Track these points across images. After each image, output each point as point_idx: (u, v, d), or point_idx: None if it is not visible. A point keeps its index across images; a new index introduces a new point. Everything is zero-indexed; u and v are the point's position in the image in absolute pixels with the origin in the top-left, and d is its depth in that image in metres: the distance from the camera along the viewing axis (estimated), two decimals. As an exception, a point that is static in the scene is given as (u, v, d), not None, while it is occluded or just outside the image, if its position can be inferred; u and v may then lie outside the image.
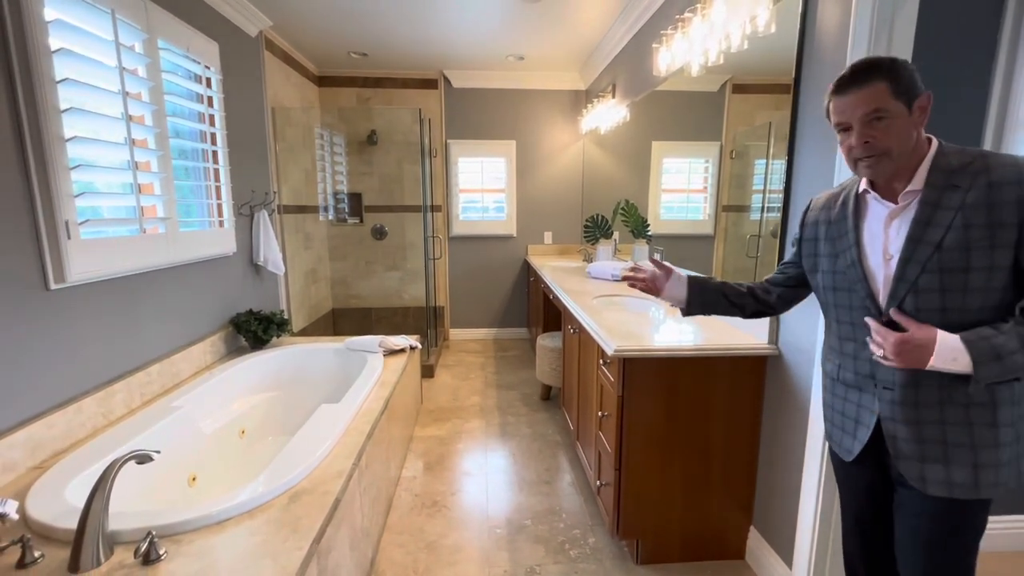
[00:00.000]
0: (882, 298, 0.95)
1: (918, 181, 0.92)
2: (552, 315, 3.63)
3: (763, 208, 1.74)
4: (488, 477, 2.29)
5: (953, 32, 1.49)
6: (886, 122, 0.89)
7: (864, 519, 1.11)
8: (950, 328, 0.87)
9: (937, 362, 0.86)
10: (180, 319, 2.15)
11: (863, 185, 1.00)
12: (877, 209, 0.98)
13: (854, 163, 0.95)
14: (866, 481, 1.07)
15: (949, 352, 0.86)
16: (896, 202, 0.94)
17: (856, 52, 1.23)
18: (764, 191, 1.73)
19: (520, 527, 1.94)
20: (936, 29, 1.44)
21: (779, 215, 1.59)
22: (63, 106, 1.53)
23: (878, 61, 0.90)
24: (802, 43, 1.46)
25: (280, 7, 2.80)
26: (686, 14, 2.03)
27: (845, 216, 1.02)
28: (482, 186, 4.44)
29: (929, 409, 0.92)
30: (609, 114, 3.48)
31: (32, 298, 1.47)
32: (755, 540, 1.72)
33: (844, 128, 0.94)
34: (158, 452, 1.22)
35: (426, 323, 3.99)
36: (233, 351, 2.54)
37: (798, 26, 1.46)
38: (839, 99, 0.93)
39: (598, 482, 1.92)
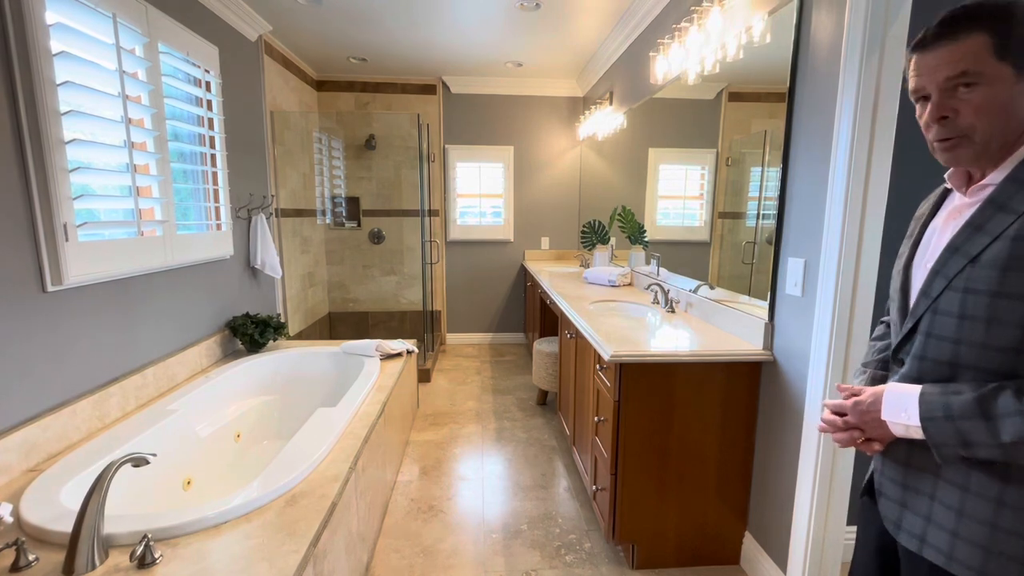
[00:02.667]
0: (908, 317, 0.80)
1: (1001, 172, 0.71)
2: (549, 320, 3.64)
3: (759, 215, 1.76)
4: (484, 482, 2.29)
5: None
6: (977, 91, 0.68)
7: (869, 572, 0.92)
8: (961, 371, 0.71)
9: (887, 413, 0.75)
10: (177, 322, 2.15)
11: (948, 171, 0.81)
12: (953, 203, 0.80)
13: (931, 146, 0.76)
14: (877, 524, 0.88)
15: (898, 401, 0.74)
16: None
17: (849, 64, 1.25)
18: (760, 198, 1.75)
19: (516, 532, 1.94)
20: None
21: (774, 222, 1.61)
22: (63, 109, 1.53)
23: (982, 3, 0.68)
24: (796, 54, 1.49)
25: (280, 12, 2.81)
26: (683, 23, 2.05)
27: (929, 211, 0.85)
28: (480, 191, 4.45)
29: (922, 454, 0.76)
30: (606, 121, 3.50)
31: (29, 300, 1.47)
32: (750, 545, 1.73)
33: (921, 97, 0.74)
34: (154, 455, 1.22)
35: (423, 327, 3.99)
36: (229, 354, 2.53)
37: (792, 37, 1.49)
38: (920, 57, 0.73)
39: (594, 487, 1.92)
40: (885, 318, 0.98)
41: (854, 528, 1.61)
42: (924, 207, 0.88)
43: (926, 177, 1.58)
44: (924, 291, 0.76)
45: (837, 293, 1.32)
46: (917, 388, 0.73)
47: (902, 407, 0.73)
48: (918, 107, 0.76)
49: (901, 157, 1.45)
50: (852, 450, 1.39)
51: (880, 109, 1.24)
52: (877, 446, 0.81)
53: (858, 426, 0.81)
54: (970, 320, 0.70)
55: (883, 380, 0.89)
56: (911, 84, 0.76)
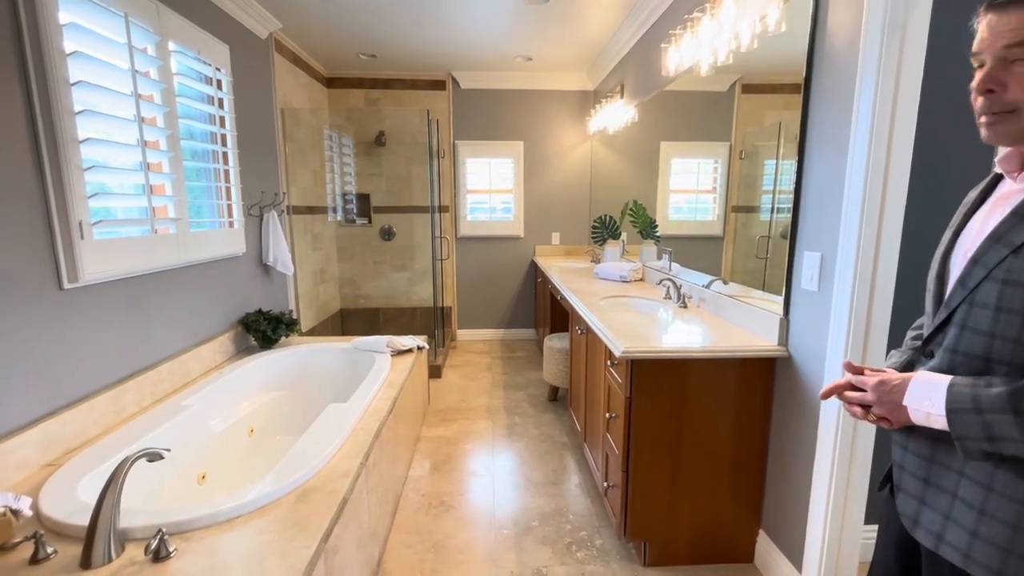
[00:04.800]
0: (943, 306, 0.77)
1: None
2: (559, 316, 3.62)
3: (773, 209, 1.72)
4: (495, 478, 2.29)
5: (970, 35, 1.46)
6: None
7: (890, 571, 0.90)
8: (994, 367, 0.68)
9: (910, 401, 0.73)
10: (190, 319, 2.18)
11: (998, 155, 0.76)
12: (1002, 190, 0.77)
13: (977, 116, 0.72)
14: (898, 520, 0.85)
15: (925, 389, 0.71)
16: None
17: (868, 52, 1.21)
18: (774, 192, 1.72)
19: (527, 528, 1.94)
20: (953, 31, 1.42)
21: (790, 216, 1.57)
22: (77, 108, 1.55)
23: None
24: (812, 43, 1.45)
25: (290, 9, 2.82)
26: (695, 14, 2.02)
27: (977, 198, 0.81)
28: (490, 187, 4.44)
29: (947, 450, 0.74)
30: (617, 114, 3.47)
31: (46, 297, 1.49)
32: (764, 543, 1.70)
33: (980, 65, 0.70)
34: (168, 450, 1.23)
35: (433, 323, 4.00)
36: (242, 350, 2.56)
37: (809, 25, 1.45)
38: (992, 17, 0.68)
39: (605, 483, 1.91)
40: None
41: (872, 527, 1.59)
42: (972, 194, 0.83)
43: (949, 167, 1.53)
44: (961, 281, 0.73)
45: (855, 288, 1.28)
46: (947, 379, 0.71)
47: (927, 395, 0.71)
48: (976, 73, 0.71)
49: (923, 147, 1.41)
50: (870, 449, 1.37)
51: (901, 97, 1.20)
52: (887, 425, 0.79)
53: (872, 403, 0.79)
54: (1007, 313, 0.67)
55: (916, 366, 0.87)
56: (975, 44, 0.71)
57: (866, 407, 0.81)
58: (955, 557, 0.72)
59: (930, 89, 1.32)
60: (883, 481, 0.90)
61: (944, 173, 1.54)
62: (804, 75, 1.48)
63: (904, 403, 0.74)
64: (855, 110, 1.26)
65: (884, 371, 0.82)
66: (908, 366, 0.87)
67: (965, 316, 0.72)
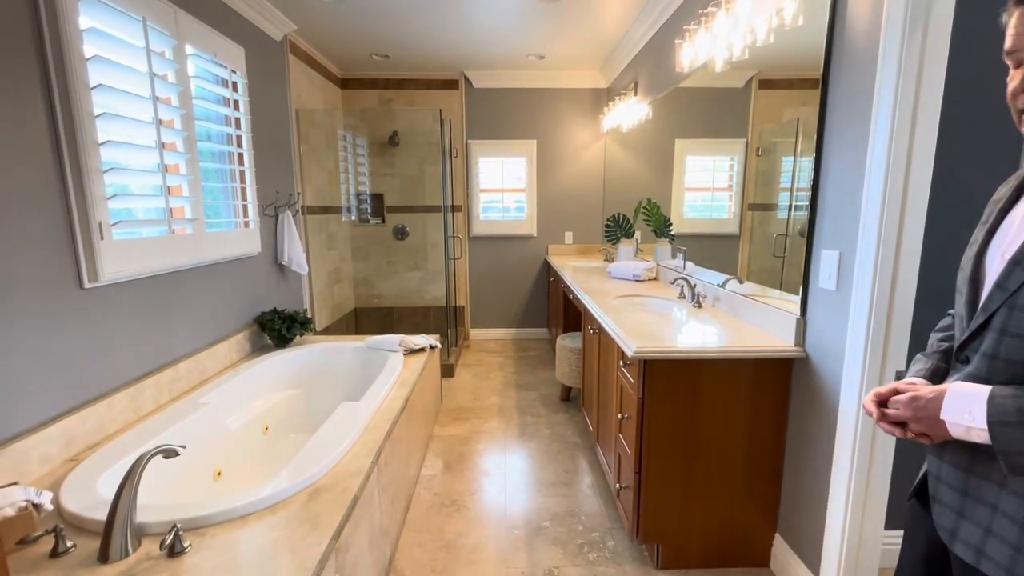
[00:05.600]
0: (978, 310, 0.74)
1: None
2: (572, 315, 3.60)
3: (791, 206, 1.69)
4: (507, 477, 2.29)
5: (997, 29, 1.42)
6: None
7: None
8: None
9: (947, 413, 0.69)
10: (207, 318, 2.21)
11: None
12: None
13: (1015, 117, 0.69)
14: (927, 531, 0.83)
15: (962, 401, 0.67)
16: None
17: (889, 45, 1.18)
18: (792, 189, 1.68)
19: (539, 528, 1.93)
20: (978, 22, 1.38)
21: (807, 214, 1.54)
22: (97, 111, 1.58)
23: None
24: (831, 36, 1.42)
25: (304, 11, 2.84)
26: (710, 8, 1.98)
27: (1010, 195, 0.77)
28: (502, 186, 4.44)
29: (986, 461, 0.71)
30: (631, 112, 3.43)
31: (67, 297, 1.53)
32: (780, 547, 1.67)
33: (1017, 64, 0.68)
34: (184, 447, 1.25)
35: (446, 323, 4.01)
36: (258, 349, 2.59)
37: (827, 16, 1.42)
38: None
39: (618, 485, 1.89)
40: (952, 310, 0.91)
41: (892, 533, 1.55)
42: (1003, 190, 0.80)
43: (973, 162, 1.49)
44: (1000, 283, 0.70)
45: (875, 287, 1.25)
46: (985, 389, 0.67)
47: (966, 408, 0.67)
48: (1011, 74, 0.68)
49: (946, 141, 1.37)
50: (891, 453, 1.33)
51: (923, 90, 1.16)
52: (927, 440, 0.75)
53: (908, 420, 0.75)
54: None
55: (944, 373, 0.83)
56: (1007, 42, 0.68)
57: (902, 424, 0.77)
58: (997, 573, 0.68)
59: (953, 81, 1.28)
60: (915, 490, 0.86)
61: (968, 168, 1.49)
62: (822, 70, 1.44)
63: (941, 417, 0.70)
64: (875, 104, 1.23)
65: (913, 383, 0.79)
66: (936, 373, 0.84)
67: (1005, 320, 0.68)
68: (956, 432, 0.70)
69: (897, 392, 0.79)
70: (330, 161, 3.87)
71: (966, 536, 0.73)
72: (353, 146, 4.16)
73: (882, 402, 0.80)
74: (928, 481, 0.80)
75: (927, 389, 0.73)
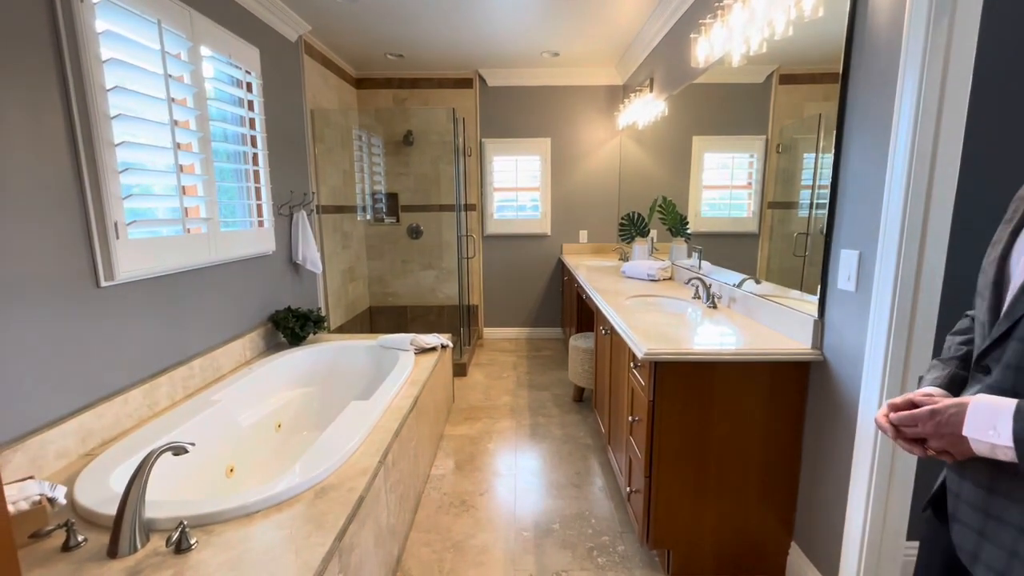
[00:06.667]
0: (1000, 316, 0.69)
1: None
2: (586, 315, 3.57)
3: (812, 204, 1.64)
4: (517, 478, 2.27)
5: (1028, 8, 1.34)
6: None
7: None
8: None
9: (970, 429, 0.64)
10: (221, 316, 2.24)
11: None
12: None
13: None
14: (947, 546, 0.78)
15: (986, 416, 0.63)
16: None
17: (913, 38, 1.13)
18: (813, 187, 1.63)
19: (548, 531, 1.91)
20: (1007, 11, 1.31)
21: (827, 212, 1.49)
22: (113, 113, 1.61)
23: None
24: (851, 29, 1.36)
25: (319, 12, 2.86)
26: (726, 1, 1.93)
27: None
28: (516, 185, 4.42)
29: (1010, 479, 0.66)
30: (647, 109, 3.38)
31: (84, 295, 1.56)
32: (796, 556, 1.62)
33: None
34: (193, 444, 1.26)
35: (460, 321, 4.01)
36: (272, 347, 2.62)
37: (848, 7, 1.36)
38: None
39: (628, 488, 1.86)
40: (970, 312, 0.86)
41: (914, 544, 1.48)
42: None
43: (1005, 156, 1.41)
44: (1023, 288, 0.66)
45: (896, 288, 1.20)
46: (1011, 403, 0.62)
47: (990, 423, 0.62)
48: None
49: (973, 136, 1.30)
50: (913, 460, 1.27)
51: (949, 83, 1.11)
52: (949, 459, 0.71)
53: (927, 437, 0.70)
54: None
55: (962, 381, 0.78)
56: None
57: (921, 440, 0.72)
58: None
59: (982, 72, 1.22)
60: (929, 502, 0.81)
61: (998, 163, 1.42)
62: (842, 64, 1.39)
63: (964, 433, 0.65)
64: (898, 97, 1.17)
65: (931, 394, 0.74)
66: (953, 381, 0.79)
67: None
68: (980, 449, 0.65)
69: (914, 405, 0.74)
70: (345, 161, 3.89)
71: (989, 560, 0.68)
72: (368, 145, 4.19)
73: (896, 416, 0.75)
74: (947, 497, 0.75)
75: (946, 402, 0.68)
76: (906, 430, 0.73)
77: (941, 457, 0.71)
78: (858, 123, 1.34)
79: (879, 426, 0.77)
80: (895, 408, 0.76)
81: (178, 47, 1.94)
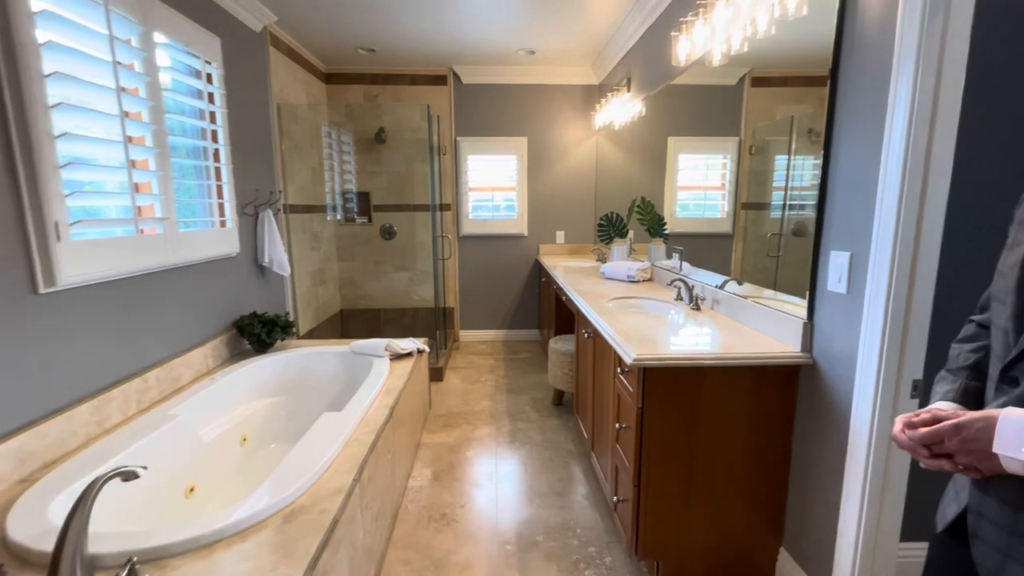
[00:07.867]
0: None
1: None
2: (564, 317, 3.52)
3: (784, 206, 1.63)
4: (498, 488, 2.19)
5: (1022, 14, 1.35)
6: None
7: None
8: None
9: (1001, 446, 0.61)
10: (180, 323, 2.08)
11: None
12: None
13: None
14: (960, 565, 0.74)
15: (1018, 433, 0.60)
16: None
17: (907, 30, 1.10)
18: (786, 188, 1.63)
19: (532, 543, 1.84)
20: (1001, 9, 1.31)
21: (803, 213, 1.47)
22: (52, 101, 1.45)
23: None
24: (841, 25, 1.34)
25: (285, 1, 2.72)
26: (708, -1, 1.90)
27: None
28: (492, 184, 4.34)
29: None
30: (623, 109, 3.36)
31: (20, 303, 1.40)
32: (786, 562, 1.60)
33: None
34: (144, 468, 1.13)
35: (435, 324, 3.90)
36: (236, 355, 2.47)
37: (835, 8, 1.34)
38: None
39: (615, 498, 1.81)
40: (975, 317, 0.83)
41: (907, 545, 1.48)
42: None
43: (998, 157, 1.42)
44: None
45: (891, 290, 1.18)
46: None
47: (1019, 440, 0.59)
48: None
49: (968, 135, 1.30)
50: (907, 462, 1.26)
51: (944, 81, 1.09)
52: (977, 475, 0.67)
53: (953, 452, 0.66)
54: None
55: (976, 392, 0.75)
56: None
57: (948, 455, 0.68)
58: None
59: (976, 71, 1.21)
60: (949, 527, 0.76)
61: (991, 164, 1.42)
62: (832, 62, 1.37)
63: (994, 450, 0.62)
64: (891, 97, 1.15)
65: (958, 412, 0.69)
66: (967, 393, 0.75)
67: None
68: (1012, 467, 0.61)
69: (938, 419, 0.69)
70: (314, 158, 3.74)
71: None
72: (338, 143, 4.03)
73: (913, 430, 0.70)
74: (967, 515, 0.71)
75: (972, 415, 0.64)
76: (931, 447, 0.69)
77: (968, 473, 0.67)
78: (848, 123, 1.32)
79: (899, 444, 0.72)
80: (912, 425, 0.71)
81: (128, 32, 1.79)
